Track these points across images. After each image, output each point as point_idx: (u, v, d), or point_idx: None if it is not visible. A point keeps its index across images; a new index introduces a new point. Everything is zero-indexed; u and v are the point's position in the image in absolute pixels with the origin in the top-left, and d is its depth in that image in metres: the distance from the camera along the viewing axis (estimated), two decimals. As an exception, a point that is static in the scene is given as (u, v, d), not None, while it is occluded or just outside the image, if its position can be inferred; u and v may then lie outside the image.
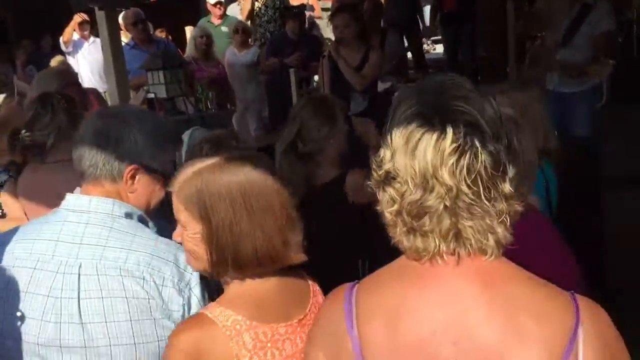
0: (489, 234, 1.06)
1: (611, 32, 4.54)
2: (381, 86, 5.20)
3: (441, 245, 1.07)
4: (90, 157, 1.57)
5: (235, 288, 1.42)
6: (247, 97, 6.90)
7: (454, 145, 1.02)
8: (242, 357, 1.34)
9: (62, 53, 7.27)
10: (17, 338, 1.50)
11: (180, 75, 4.34)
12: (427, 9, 9.45)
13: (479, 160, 1.02)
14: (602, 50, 4.48)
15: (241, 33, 6.79)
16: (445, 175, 1.02)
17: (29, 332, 1.50)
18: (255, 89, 6.93)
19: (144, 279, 1.50)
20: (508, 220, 1.06)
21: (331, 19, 4.88)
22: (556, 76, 4.65)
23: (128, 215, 1.59)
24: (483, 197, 1.03)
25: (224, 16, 7.39)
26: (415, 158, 1.04)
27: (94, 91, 5.11)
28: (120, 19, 6.36)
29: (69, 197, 1.61)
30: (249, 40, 7.03)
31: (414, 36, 8.49)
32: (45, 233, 1.56)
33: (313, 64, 5.90)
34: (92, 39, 7.16)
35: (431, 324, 1.07)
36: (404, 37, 8.16)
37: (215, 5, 7.30)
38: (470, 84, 1.11)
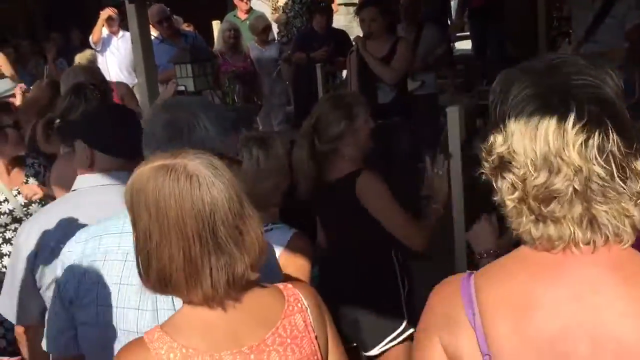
0: (625, 219, 0.97)
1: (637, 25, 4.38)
2: (412, 85, 5.13)
3: (577, 233, 0.98)
4: (163, 149, 1.53)
5: (184, 310, 1.29)
6: (270, 91, 6.93)
7: (580, 124, 0.94)
8: None
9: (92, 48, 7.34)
10: (119, 328, 1.53)
11: (208, 69, 4.36)
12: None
13: (610, 138, 0.94)
14: (635, 42, 4.35)
15: (262, 30, 6.84)
16: (573, 155, 0.94)
17: (129, 321, 1.52)
18: (278, 83, 6.96)
19: None
20: None
21: (358, 13, 4.85)
22: None
23: None
24: (617, 177, 0.95)
25: (250, 10, 7.43)
26: (535, 139, 0.96)
27: (124, 86, 5.17)
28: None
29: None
30: (269, 36, 7.06)
31: (445, 32, 8.45)
32: (128, 226, 1.55)
33: (339, 58, 5.89)
34: (121, 32, 7.21)
35: (564, 319, 0.99)
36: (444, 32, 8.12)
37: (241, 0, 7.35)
38: (584, 59, 1.02)
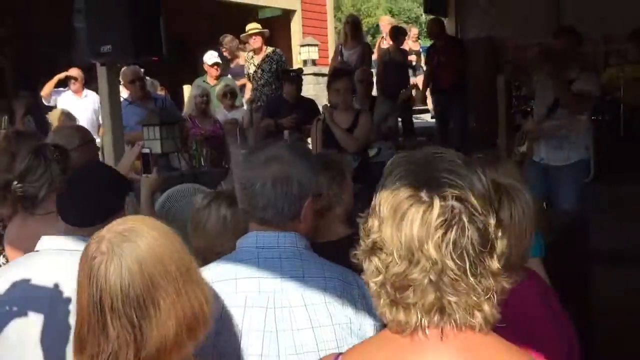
0: (476, 311, 1.03)
1: (585, 91, 4.65)
2: (370, 152, 5.32)
3: (423, 319, 1.04)
4: (274, 203, 1.65)
5: None
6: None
7: (441, 218, 1.01)
8: None
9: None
10: None
11: (176, 132, 4.37)
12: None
13: (466, 235, 1.01)
14: (571, 106, 4.61)
15: (229, 97, 7.04)
16: (431, 249, 1.00)
17: None
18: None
19: (342, 304, 1.59)
20: (495, 297, 1.04)
21: (332, 83, 4.98)
22: (543, 149, 4.77)
23: (307, 246, 1.70)
24: (469, 273, 1.01)
25: (219, 77, 7.55)
26: (401, 230, 1.02)
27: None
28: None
29: (253, 235, 1.68)
30: (234, 101, 7.27)
31: (405, 104, 8.68)
32: (245, 271, 1.62)
33: (307, 126, 5.98)
34: (84, 92, 7.29)
35: None
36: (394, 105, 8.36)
37: (212, 66, 7.49)
38: (461, 157, 1.10)
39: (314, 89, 9.57)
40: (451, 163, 1.07)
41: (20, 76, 9.07)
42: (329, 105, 4.99)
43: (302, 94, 6.95)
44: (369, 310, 1.58)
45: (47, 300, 1.80)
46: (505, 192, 1.67)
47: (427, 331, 1.05)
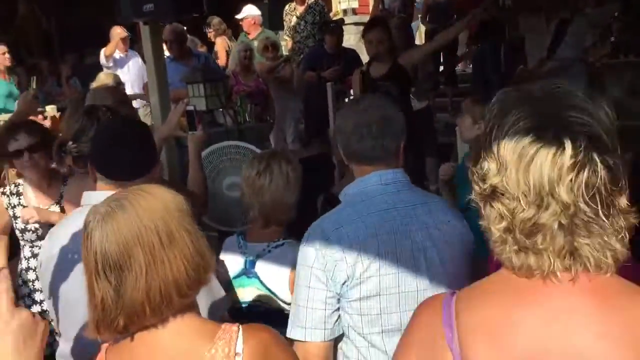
0: (607, 251, 1.00)
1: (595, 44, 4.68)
2: (418, 105, 5.22)
3: (556, 263, 1.01)
4: (381, 143, 1.86)
5: (125, 339, 1.36)
6: (283, 108, 6.98)
7: (573, 160, 0.96)
8: None
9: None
10: (400, 291, 1.79)
11: (220, 89, 4.42)
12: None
13: (598, 175, 0.96)
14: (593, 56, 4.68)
15: (271, 49, 6.89)
16: (562, 192, 0.96)
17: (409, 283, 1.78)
18: (292, 100, 7.00)
19: (462, 224, 1.89)
20: (627, 235, 1.01)
21: (365, 34, 4.93)
22: None
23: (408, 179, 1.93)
24: (601, 213, 0.98)
25: (257, 31, 7.48)
26: (529, 174, 0.98)
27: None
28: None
29: (376, 175, 1.87)
30: (279, 54, 7.12)
31: (450, 51, 8.50)
32: (377, 206, 1.83)
33: (350, 78, 5.94)
34: (129, 53, 7.33)
35: (540, 342, 1.01)
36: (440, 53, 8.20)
37: (242, 20, 7.45)
38: (583, 92, 1.03)
39: (355, 39, 9.44)
40: (574, 98, 1.01)
41: (66, 39, 9.22)
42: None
43: (342, 44, 6.88)
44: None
45: None
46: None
47: (558, 274, 1.02)
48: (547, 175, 0.97)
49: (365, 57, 5.96)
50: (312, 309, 1.78)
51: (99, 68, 6.88)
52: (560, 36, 4.60)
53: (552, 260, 1.01)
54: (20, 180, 3.22)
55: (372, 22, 5.25)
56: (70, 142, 2.55)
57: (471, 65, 9.00)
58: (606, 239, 0.99)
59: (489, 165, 1.03)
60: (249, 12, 7.46)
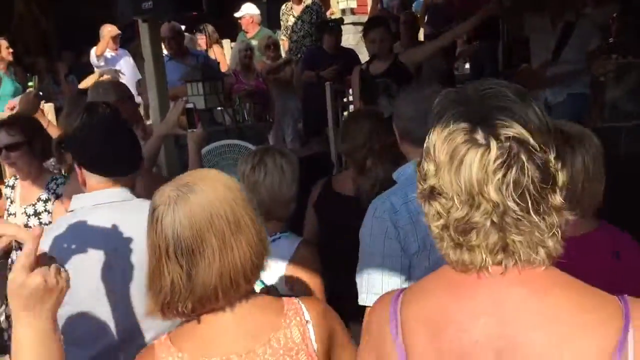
0: (539, 247, 1.03)
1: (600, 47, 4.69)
2: None
3: (487, 259, 1.05)
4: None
5: (190, 322, 1.40)
6: (283, 107, 6.96)
7: (499, 160, 0.99)
8: None
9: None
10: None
11: (219, 87, 4.40)
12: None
13: (526, 174, 0.99)
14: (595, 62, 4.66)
15: (273, 48, 6.87)
16: (491, 191, 0.99)
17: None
18: (292, 99, 6.99)
19: None
20: (559, 232, 1.03)
21: (366, 34, 4.92)
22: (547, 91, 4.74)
23: None
24: (532, 211, 1.00)
25: (255, 30, 7.48)
26: (460, 175, 1.02)
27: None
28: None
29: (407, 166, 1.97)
30: (278, 52, 7.11)
31: (449, 51, 8.50)
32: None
33: (348, 77, 5.93)
34: (120, 51, 7.31)
35: (473, 333, 1.05)
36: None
37: (240, 18, 7.42)
38: (512, 89, 1.06)
39: (353, 38, 9.43)
40: (503, 99, 1.04)
41: (63, 37, 9.18)
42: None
43: (341, 44, 6.87)
44: None
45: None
46: (576, 138, 1.67)
47: (489, 269, 1.06)
48: (476, 175, 1.00)
49: (363, 57, 5.96)
50: (388, 275, 1.86)
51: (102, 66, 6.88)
52: (565, 39, 4.61)
53: (484, 256, 1.05)
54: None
55: (373, 21, 5.25)
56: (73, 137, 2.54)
57: (467, 65, 9.04)
58: (538, 235, 1.02)
59: (428, 166, 1.07)
60: (248, 11, 7.45)
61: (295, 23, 7.43)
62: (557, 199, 1.03)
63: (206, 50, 7.57)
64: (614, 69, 4.67)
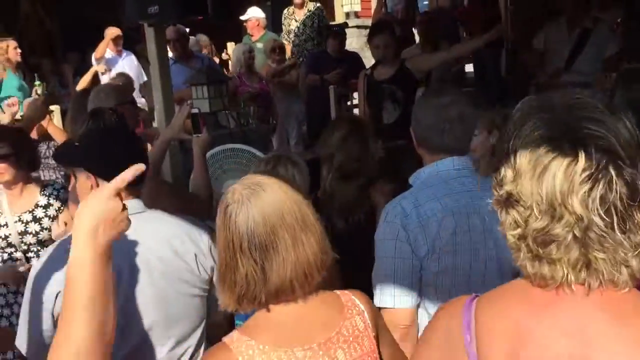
0: (623, 267, 0.99)
1: (617, 53, 4.63)
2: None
3: (569, 275, 1.00)
4: (461, 136, 2.01)
5: (257, 315, 1.47)
6: (287, 110, 6.97)
7: (587, 173, 0.95)
8: None
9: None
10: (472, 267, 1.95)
11: (223, 90, 4.41)
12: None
13: (613, 189, 0.95)
14: (611, 68, 4.56)
15: (278, 51, 6.88)
16: (575, 204, 0.95)
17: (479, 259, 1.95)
18: (296, 102, 6.99)
19: None
20: None
21: (370, 39, 4.93)
22: None
23: None
24: (617, 228, 0.96)
25: (260, 33, 7.48)
26: (542, 184, 0.98)
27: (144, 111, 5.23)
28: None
29: (450, 160, 2.02)
30: (284, 55, 7.12)
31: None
32: (455, 187, 1.98)
33: (352, 81, 5.94)
34: (124, 53, 7.30)
35: (555, 352, 1.01)
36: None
37: (246, 21, 7.43)
38: (603, 102, 1.02)
39: (357, 42, 9.44)
40: (593, 110, 1.00)
41: (68, 39, 9.21)
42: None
43: (345, 47, 6.88)
44: None
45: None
46: None
47: (573, 287, 1.01)
48: (560, 186, 0.97)
49: (367, 61, 5.97)
50: (399, 277, 1.93)
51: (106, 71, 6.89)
52: (580, 47, 4.59)
53: (565, 272, 1.00)
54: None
55: (377, 26, 5.25)
56: (76, 144, 2.54)
57: (470, 67, 9.02)
58: (622, 254, 0.98)
59: (506, 172, 1.04)
60: (253, 14, 7.47)
61: (298, 27, 7.45)
62: None
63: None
64: (612, 86, 4.65)
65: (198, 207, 2.76)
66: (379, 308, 1.90)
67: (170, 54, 6.04)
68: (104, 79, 6.95)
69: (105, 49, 7.05)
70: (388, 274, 1.94)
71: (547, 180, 0.98)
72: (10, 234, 3.14)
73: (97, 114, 2.59)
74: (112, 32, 7.01)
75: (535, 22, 5.54)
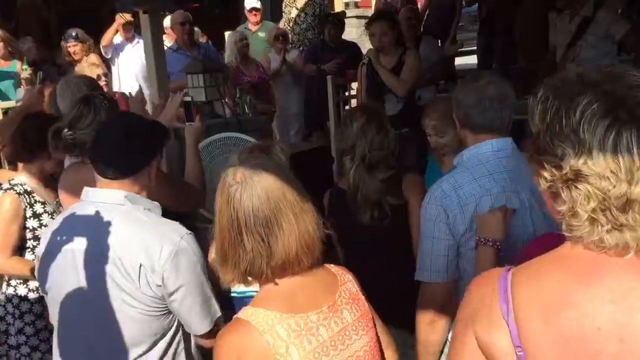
0: None
1: (631, 29, 4.60)
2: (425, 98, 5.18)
3: None
4: (500, 115, 2.10)
5: (265, 288, 1.56)
6: (287, 99, 6.92)
7: None
8: (278, 347, 1.45)
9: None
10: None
11: (220, 80, 4.37)
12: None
13: None
14: (632, 47, 4.60)
15: (282, 39, 6.81)
16: None
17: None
18: (298, 92, 6.94)
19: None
20: None
21: (368, 27, 4.89)
22: None
23: None
24: None
25: (260, 22, 7.43)
26: (617, 153, 1.01)
27: (122, 94, 5.14)
28: (167, 21, 6.42)
29: (488, 143, 2.11)
30: (288, 46, 7.06)
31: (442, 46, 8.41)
32: (493, 168, 2.09)
33: (350, 71, 5.90)
34: (135, 39, 7.16)
35: (597, 319, 1.04)
36: (441, 45, 8.10)
37: (250, 11, 7.33)
38: (636, 69, 1.08)
39: (357, 32, 9.38)
40: (632, 77, 1.06)
41: (65, 28, 9.15)
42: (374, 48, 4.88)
43: (344, 37, 6.82)
44: None
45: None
46: None
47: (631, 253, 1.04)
48: (637, 152, 1.00)
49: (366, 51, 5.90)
50: (436, 255, 2.09)
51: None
52: (579, 35, 4.59)
53: None
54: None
55: (377, 15, 5.22)
56: (66, 130, 2.52)
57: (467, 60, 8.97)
58: None
59: (565, 150, 1.05)
60: (255, 5, 7.39)
61: (299, 15, 7.39)
62: None
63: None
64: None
65: (191, 196, 2.73)
66: (417, 281, 2.12)
67: (169, 42, 5.99)
68: (112, 66, 6.86)
69: (112, 37, 6.90)
70: (426, 252, 2.11)
71: (621, 149, 1.01)
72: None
73: (89, 99, 2.57)
74: (120, 18, 6.85)
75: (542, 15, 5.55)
